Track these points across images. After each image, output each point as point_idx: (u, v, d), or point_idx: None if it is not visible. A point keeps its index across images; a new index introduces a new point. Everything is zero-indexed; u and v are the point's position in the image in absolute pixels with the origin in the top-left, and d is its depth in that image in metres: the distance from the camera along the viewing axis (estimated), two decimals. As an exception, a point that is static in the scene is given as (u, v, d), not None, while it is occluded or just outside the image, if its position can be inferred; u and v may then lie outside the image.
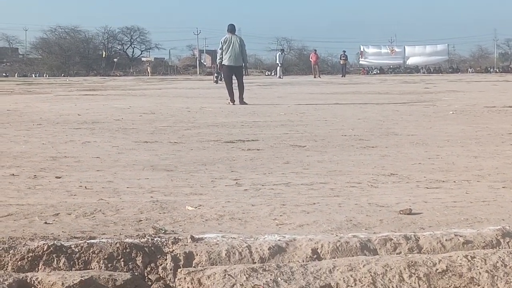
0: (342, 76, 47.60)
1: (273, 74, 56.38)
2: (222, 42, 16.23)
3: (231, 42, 16.08)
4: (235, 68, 16.19)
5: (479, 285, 3.05)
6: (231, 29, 16.41)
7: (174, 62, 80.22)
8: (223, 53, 16.10)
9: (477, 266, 3.16)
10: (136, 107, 14.59)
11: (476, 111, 12.89)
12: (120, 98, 18.96)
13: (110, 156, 6.72)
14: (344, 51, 52.02)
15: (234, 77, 16.27)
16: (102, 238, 3.43)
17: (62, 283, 2.95)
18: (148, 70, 65.15)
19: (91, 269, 3.17)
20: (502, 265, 3.18)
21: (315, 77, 45.32)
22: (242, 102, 15.69)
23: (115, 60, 71.24)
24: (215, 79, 33.05)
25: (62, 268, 3.16)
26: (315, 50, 49.48)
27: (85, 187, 4.98)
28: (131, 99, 18.42)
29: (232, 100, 15.66)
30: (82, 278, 2.98)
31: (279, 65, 46.76)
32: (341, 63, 52.00)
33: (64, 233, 3.58)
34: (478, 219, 3.93)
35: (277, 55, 48.91)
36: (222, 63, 16.23)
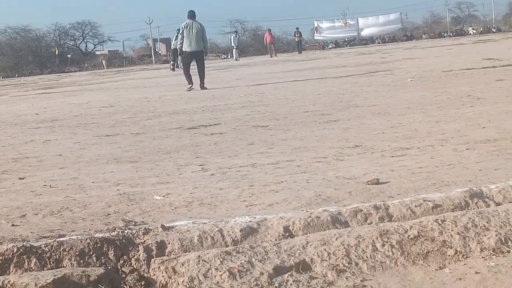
0: (298, 53, 47.63)
1: (229, 56, 56.19)
2: (183, 27, 16.18)
3: (191, 27, 16.02)
4: (195, 53, 16.13)
5: (451, 248, 3.08)
6: (191, 15, 16.35)
7: (129, 53, 79.57)
8: (184, 39, 16.03)
9: (448, 229, 3.19)
10: (94, 102, 14.46)
11: (433, 77, 12.99)
12: (77, 94, 18.76)
13: (73, 153, 6.65)
14: (297, 28, 52.01)
15: (193, 62, 16.23)
16: (72, 235, 3.39)
17: (35, 284, 2.91)
18: (103, 63, 64.53)
19: (64, 267, 3.13)
20: (472, 225, 3.21)
21: (271, 56, 45.28)
22: (202, 87, 15.63)
23: (68, 56, 70.37)
24: (171, 66, 32.83)
25: (33, 268, 3.12)
26: (269, 30, 49.37)
27: (50, 185, 4.92)
28: (88, 94, 18.24)
29: (191, 84, 15.60)
30: (55, 277, 2.94)
31: (235, 47, 46.60)
32: (296, 40, 52.00)
33: (32, 234, 3.53)
34: (445, 183, 3.96)
35: (232, 37, 48.72)
36: (183, 49, 16.16)
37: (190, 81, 15.70)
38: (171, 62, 33.56)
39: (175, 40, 28.74)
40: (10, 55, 67.31)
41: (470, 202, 3.55)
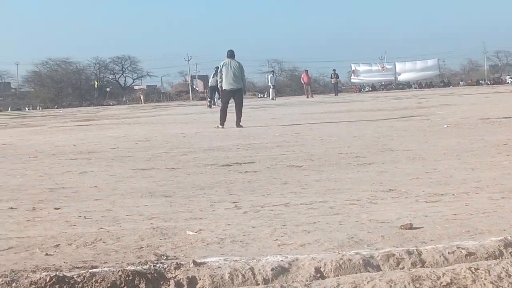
0: (335, 95, 47.68)
1: (266, 96, 56.49)
2: (221, 65, 16.42)
3: (230, 65, 16.23)
4: (234, 91, 16.29)
5: (484, 296, 3.05)
6: (231, 54, 16.58)
7: (167, 89, 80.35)
8: (223, 77, 16.24)
9: (481, 278, 3.16)
10: (131, 135, 14.59)
11: (470, 124, 12.92)
12: (114, 127, 18.96)
13: (108, 185, 6.71)
14: (334, 70, 52.13)
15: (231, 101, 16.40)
16: (104, 267, 3.41)
17: (66, 314, 2.94)
18: (141, 98, 65.16)
19: (95, 298, 3.15)
20: (506, 275, 3.18)
21: (307, 97, 45.39)
22: (238, 125, 15.71)
23: (107, 89, 71.27)
24: (208, 103, 33.10)
25: (65, 299, 3.14)
26: (307, 71, 49.60)
27: (84, 216, 4.96)
28: (125, 128, 18.42)
29: (222, 124, 15.70)
30: (86, 308, 2.96)
31: (271, 87, 46.86)
32: (333, 82, 52.09)
33: (65, 264, 3.56)
34: (480, 231, 3.93)
35: (269, 77, 49.06)
36: (223, 88, 16.36)
37: (223, 121, 15.80)
38: (208, 99, 33.84)
39: (212, 77, 29.02)
40: (51, 87, 68.34)
41: (504, 252, 3.52)
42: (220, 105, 16.96)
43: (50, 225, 4.69)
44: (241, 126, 15.58)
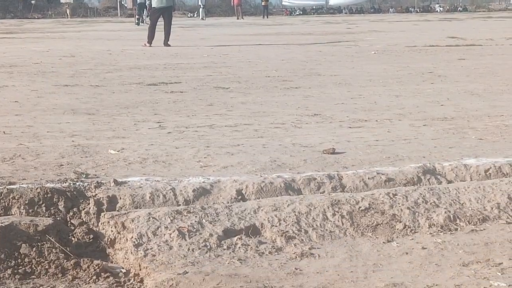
0: (263, 17, 47.27)
1: (195, 16, 55.74)
2: None
3: None
4: (164, 9, 15.99)
5: (400, 222, 3.11)
6: None
7: (94, 4, 78.41)
8: None
9: (399, 203, 3.22)
10: (55, 50, 14.24)
11: (397, 51, 13.04)
12: (38, 41, 18.46)
13: (29, 100, 6.56)
14: None
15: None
16: (23, 184, 3.35)
17: (-19, 231, 2.88)
18: (68, 12, 63.46)
19: (12, 215, 3.10)
20: (423, 201, 3.25)
21: (238, 18, 45.00)
22: (166, 44, 15.48)
23: (32, 2, 69.10)
24: (136, 21, 32.48)
25: (-19, 215, 3.08)
26: (238, -9, 49.04)
27: (4, 132, 4.85)
28: (50, 42, 17.95)
29: (150, 42, 15.43)
30: (2, 224, 2.91)
31: (202, 6, 46.21)
32: (263, 4, 51.49)
33: (-18, 180, 3.48)
34: (400, 157, 3.99)
35: (199, -4, 48.35)
36: (152, 6, 16.02)
37: (151, 40, 15.50)
38: (136, 17, 33.19)
39: (142, -6, 28.42)
40: (-28, -3, 65.93)
41: (423, 178, 3.59)
42: (149, 23, 16.64)
43: (-33, 140, 4.57)
44: (169, 46, 15.37)
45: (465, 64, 10.01)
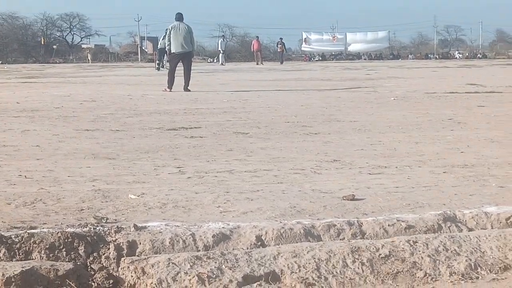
0: (280, 63, 47.46)
1: (215, 61, 56.15)
2: (170, 28, 16.14)
3: (179, 28, 16.00)
4: (183, 54, 16.10)
5: (421, 270, 3.09)
6: (179, 17, 16.34)
7: (115, 49, 79.26)
8: (172, 40, 16.00)
9: (419, 251, 3.20)
10: (76, 95, 14.38)
11: (417, 97, 13.05)
12: (60, 86, 18.66)
13: (51, 145, 6.61)
14: (281, 38, 51.93)
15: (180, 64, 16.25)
16: (43, 228, 3.37)
17: (3, 274, 2.89)
18: (89, 57, 64.20)
19: (32, 259, 3.11)
20: (443, 249, 3.23)
21: (257, 64, 45.30)
22: (186, 89, 15.58)
23: (54, 47, 70.00)
24: (156, 66, 32.78)
25: (2, 259, 3.10)
26: (257, 37, 49.43)
27: (25, 176, 4.89)
28: (71, 87, 18.14)
29: (170, 88, 15.52)
30: (23, 269, 2.92)
31: (221, 52, 46.58)
32: (279, 50, 51.84)
33: (3, 224, 3.51)
34: (420, 204, 3.98)
35: (219, 42, 48.69)
36: (172, 51, 16.13)
37: (171, 85, 15.59)
38: (157, 62, 33.50)
39: (162, 39, 28.65)
40: (-5, 41, 66.84)
41: (443, 226, 3.57)
42: (169, 68, 16.78)
43: (-11, 184, 4.61)
44: (189, 91, 15.47)
45: (484, 111, 9.99)
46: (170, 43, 16.10)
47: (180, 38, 15.93)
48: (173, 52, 16.14)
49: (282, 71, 31.47)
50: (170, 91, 15.33)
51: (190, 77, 16.00)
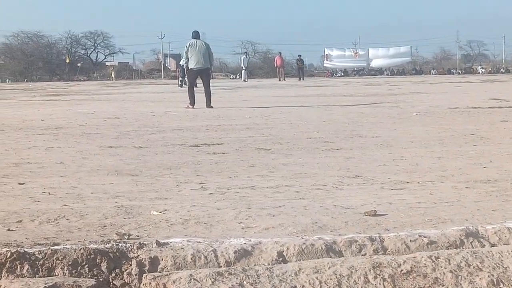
0: (299, 80, 47.41)
1: (238, 77, 56.37)
2: (188, 46, 16.25)
3: (196, 45, 16.12)
4: (201, 71, 16.23)
5: (443, 285, 3.08)
6: (196, 35, 16.48)
7: (139, 66, 79.90)
8: (189, 57, 16.11)
9: (441, 267, 3.19)
10: (100, 112, 14.50)
11: (439, 112, 13.01)
12: (84, 103, 18.83)
13: (74, 162, 6.67)
14: (300, 55, 52.14)
15: (199, 81, 16.34)
16: (66, 244, 3.39)
17: (26, 291, 2.92)
18: (112, 74, 64.72)
19: (55, 275, 3.13)
20: (465, 265, 3.21)
21: (280, 80, 45.42)
22: (209, 106, 15.65)
23: (78, 65, 70.64)
24: (179, 83, 32.96)
25: (25, 275, 3.13)
26: (280, 53, 49.63)
27: (49, 193, 4.93)
28: (95, 104, 18.29)
29: (192, 104, 15.61)
30: (46, 285, 2.95)
31: (244, 68, 46.78)
32: (298, 66, 51.84)
33: (27, 240, 3.54)
34: (442, 220, 3.96)
35: (242, 58, 48.94)
36: (189, 67, 16.22)
37: (192, 101, 15.67)
38: (180, 79, 33.70)
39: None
40: (21, 60, 67.59)
41: (465, 241, 3.56)
42: (188, 85, 16.90)
43: (14, 200, 4.65)
44: (212, 107, 15.54)
45: (508, 126, 9.94)
46: (187, 60, 16.21)
47: (198, 55, 16.05)
48: (191, 68, 16.24)
49: (304, 87, 31.49)
50: (193, 107, 15.41)
51: (210, 94, 16.07)
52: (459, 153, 7.04)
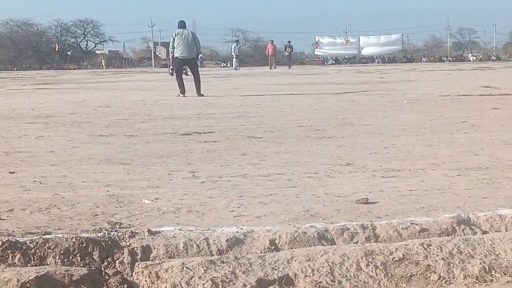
0: (288, 68, 47.10)
1: (229, 65, 56.22)
2: (174, 35, 16.26)
3: (182, 34, 16.11)
4: (187, 60, 16.24)
5: (435, 273, 3.08)
6: (182, 25, 16.49)
7: (129, 54, 79.53)
8: (175, 45, 16.11)
9: (433, 254, 3.19)
10: (90, 101, 14.45)
11: (430, 100, 13.02)
12: (74, 92, 18.76)
13: (65, 150, 6.65)
14: (289, 42, 51.44)
15: (188, 70, 16.33)
16: (58, 233, 3.39)
17: (18, 280, 2.91)
18: (102, 63, 64.48)
19: (47, 264, 3.13)
20: (457, 252, 3.22)
21: (271, 68, 45.31)
22: (199, 94, 15.63)
23: (68, 53, 70.30)
24: (170, 71, 32.83)
25: (17, 264, 3.12)
26: (272, 41, 49.39)
27: (40, 182, 4.92)
28: (85, 93, 18.23)
29: (183, 93, 15.59)
30: (38, 274, 2.94)
31: (235, 56, 46.64)
32: (286, 54, 51.37)
33: (19, 229, 3.53)
34: (434, 207, 3.97)
35: (233, 46, 48.78)
36: (175, 56, 16.22)
37: (182, 90, 15.66)
38: (170, 67, 33.60)
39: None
40: (10, 48, 67.19)
41: (457, 229, 3.56)
42: (175, 74, 16.89)
43: (4, 190, 4.64)
44: (202, 95, 15.51)
45: (499, 114, 9.96)
46: (173, 49, 16.22)
47: (184, 43, 16.07)
48: (176, 57, 16.23)
49: (295, 75, 31.48)
50: (184, 96, 15.39)
51: (200, 82, 16.07)
52: (450, 140, 7.05)
